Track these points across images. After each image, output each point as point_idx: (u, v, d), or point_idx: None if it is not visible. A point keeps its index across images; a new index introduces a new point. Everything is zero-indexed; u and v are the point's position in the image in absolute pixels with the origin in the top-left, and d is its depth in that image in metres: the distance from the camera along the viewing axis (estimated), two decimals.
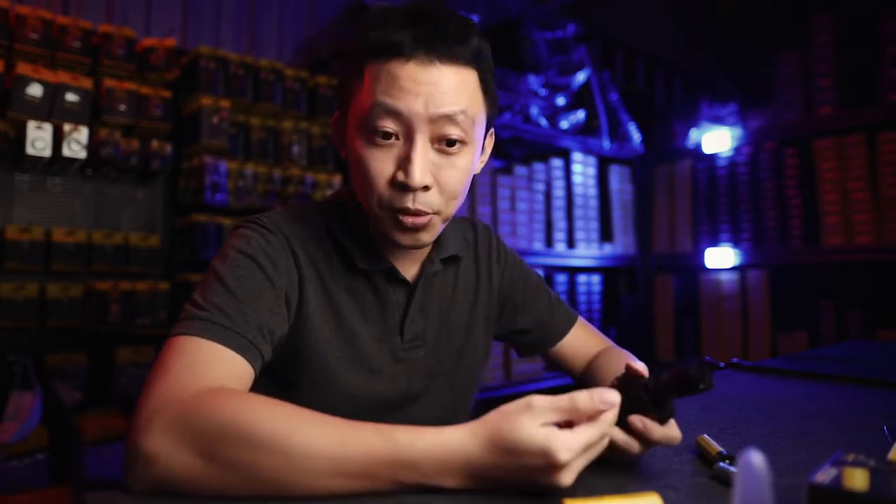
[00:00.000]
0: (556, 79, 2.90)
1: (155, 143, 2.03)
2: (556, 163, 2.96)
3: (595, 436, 0.50)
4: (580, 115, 2.98)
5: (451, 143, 0.70)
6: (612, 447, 0.58)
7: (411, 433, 0.51)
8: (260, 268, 0.71)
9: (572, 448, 0.49)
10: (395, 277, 0.81)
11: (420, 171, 0.68)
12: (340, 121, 0.77)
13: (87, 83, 1.89)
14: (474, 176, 0.78)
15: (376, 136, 0.68)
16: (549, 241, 2.88)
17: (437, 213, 0.72)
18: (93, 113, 1.92)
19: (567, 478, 0.49)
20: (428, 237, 0.74)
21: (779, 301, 2.79)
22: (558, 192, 2.94)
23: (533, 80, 2.80)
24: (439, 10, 0.70)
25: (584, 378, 0.95)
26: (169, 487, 0.52)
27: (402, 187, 0.69)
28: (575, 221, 2.97)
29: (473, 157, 0.74)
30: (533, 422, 0.49)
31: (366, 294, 0.80)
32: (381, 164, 0.69)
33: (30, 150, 1.76)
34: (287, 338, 0.74)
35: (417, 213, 0.70)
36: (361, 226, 0.79)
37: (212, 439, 0.51)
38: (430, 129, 0.68)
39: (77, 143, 1.83)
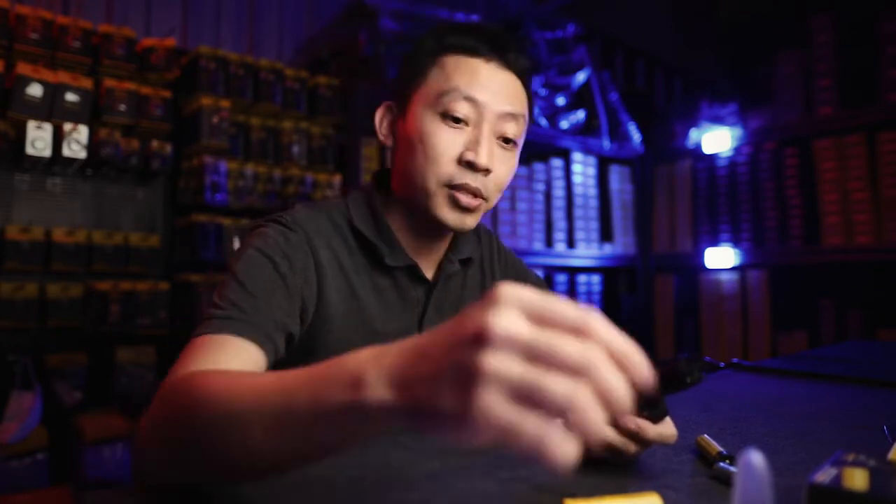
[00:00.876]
0: (556, 79, 2.91)
1: (155, 143, 2.03)
2: (556, 163, 2.96)
3: (562, 307, 0.32)
4: (580, 115, 2.98)
5: (507, 140, 0.78)
6: (609, 448, 0.58)
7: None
8: (275, 266, 0.71)
9: (514, 295, 0.32)
10: (416, 275, 0.83)
11: (486, 153, 0.75)
12: (393, 108, 0.83)
13: (87, 83, 1.89)
14: None
15: (449, 118, 0.75)
16: (549, 241, 2.88)
17: (486, 200, 0.78)
18: (93, 113, 1.92)
19: (502, 325, 0.31)
20: (472, 222, 0.79)
21: (779, 301, 2.79)
22: (558, 192, 2.94)
23: (533, 80, 2.80)
24: (499, 28, 0.81)
25: None
26: (156, 479, 0.52)
27: (468, 165, 0.75)
28: (575, 221, 2.97)
29: (515, 161, 0.82)
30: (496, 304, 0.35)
31: (389, 290, 0.82)
32: (451, 142, 0.75)
33: (30, 150, 1.76)
34: (304, 338, 0.74)
35: (475, 194, 0.76)
36: (384, 223, 0.81)
37: (171, 426, 0.51)
38: (495, 122, 0.76)
39: (77, 143, 1.83)
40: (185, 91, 2.17)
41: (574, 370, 0.30)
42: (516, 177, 2.75)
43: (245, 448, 0.44)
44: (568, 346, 0.30)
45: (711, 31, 3.81)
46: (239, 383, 0.47)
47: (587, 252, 2.99)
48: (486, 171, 0.76)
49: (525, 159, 2.94)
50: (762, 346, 2.79)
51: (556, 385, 0.29)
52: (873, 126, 2.51)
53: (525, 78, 0.80)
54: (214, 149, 2.10)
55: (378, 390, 0.35)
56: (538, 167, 2.89)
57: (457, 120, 0.75)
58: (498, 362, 0.30)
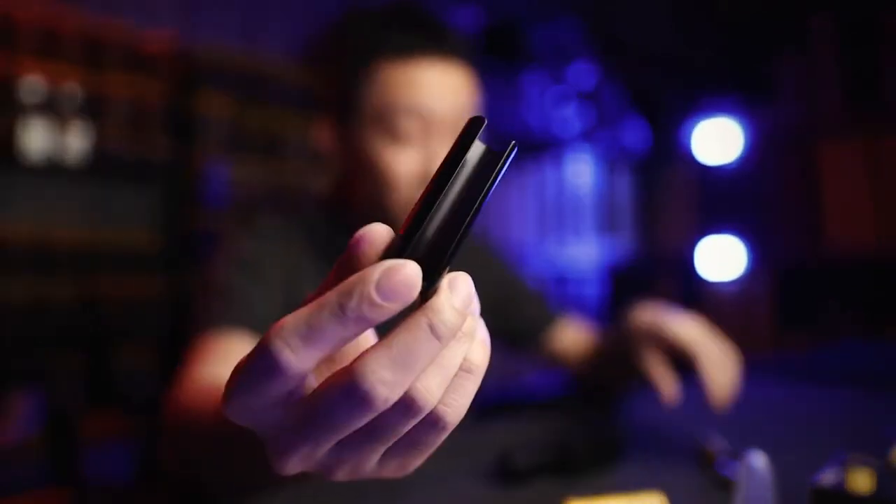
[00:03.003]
0: (556, 78, 2.90)
1: (155, 143, 2.03)
2: (556, 162, 2.96)
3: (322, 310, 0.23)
4: (580, 114, 2.98)
5: None
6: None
7: None
8: (253, 270, 0.71)
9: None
10: None
11: None
12: (333, 125, 0.76)
13: (86, 82, 1.89)
14: None
15: (396, 135, 0.69)
16: (548, 241, 2.88)
17: None
18: (93, 112, 1.92)
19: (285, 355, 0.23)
20: None
21: (780, 301, 2.79)
22: (558, 192, 2.94)
23: (533, 80, 2.80)
24: (426, 11, 0.72)
25: (584, 370, 0.92)
26: (190, 483, 0.55)
27: None
28: (574, 221, 2.97)
29: None
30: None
31: None
32: (405, 163, 0.69)
33: (29, 150, 1.76)
34: None
35: None
36: (353, 226, 0.79)
37: (175, 439, 0.52)
38: (449, 123, 0.70)
39: (77, 143, 1.83)
40: (185, 91, 2.16)
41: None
42: (516, 177, 2.74)
43: (234, 467, 0.42)
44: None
45: (713, 31, 3.81)
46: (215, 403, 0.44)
47: (587, 252, 2.98)
48: None
49: (524, 159, 2.94)
50: (763, 347, 2.79)
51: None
52: (875, 126, 2.50)
53: (467, 57, 0.73)
54: (214, 149, 2.10)
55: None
56: (538, 167, 2.88)
57: (408, 135, 0.69)
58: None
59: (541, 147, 2.88)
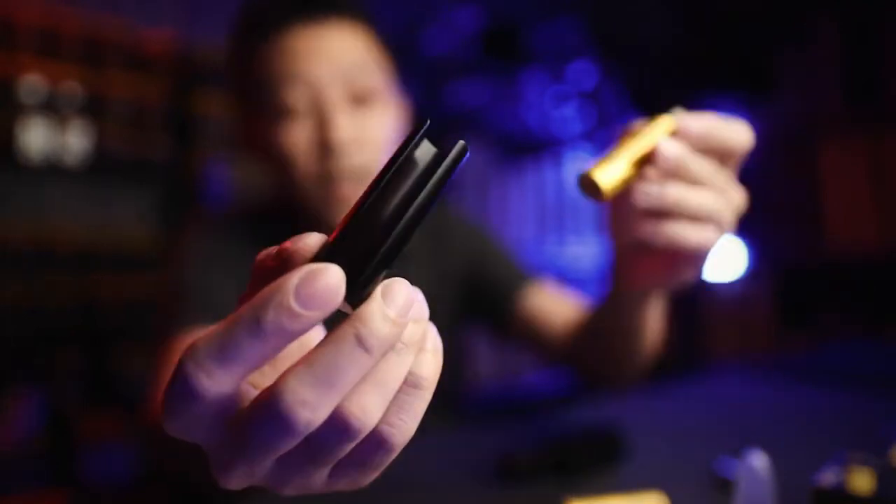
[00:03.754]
0: (556, 78, 2.90)
1: (155, 143, 2.03)
2: (556, 162, 2.96)
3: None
4: (580, 114, 2.98)
5: (363, 97, 0.67)
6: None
7: None
8: (214, 265, 0.71)
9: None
10: None
11: (341, 124, 0.64)
12: (243, 122, 0.74)
13: (87, 82, 1.89)
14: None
15: (283, 112, 0.65)
16: (547, 241, 2.88)
17: (368, 174, 0.68)
18: (93, 112, 1.92)
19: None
20: None
21: (780, 301, 2.79)
22: (557, 191, 2.94)
23: (533, 80, 2.80)
24: None
25: (574, 345, 0.76)
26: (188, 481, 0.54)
27: (327, 149, 0.64)
28: (574, 221, 2.97)
29: (390, 114, 0.71)
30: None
31: None
32: (297, 136, 0.65)
33: (29, 150, 1.76)
34: None
35: (351, 180, 0.66)
36: (294, 223, 0.76)
37: (160, 440, 0.51)
38: (339, 88, 0.65)
39: (77, 143, 1.83)
40: (185, 91, 2.16)
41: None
42: (515, 176, 2.74)
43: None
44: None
45: (713, 30, 3.81)
46: None
47: (587, 252, 2.98)
48: (351, 144, 0.65)
49: (524, 159, 2.94)
50: (762, 346, 2.79)
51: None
52: (876, 125, 2.50)
53: (356, 18, 0.68)
54: (214, 149, 2.10)
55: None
56: (537, 167, 2.88)
57: (295, 107, 0.65)
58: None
59: (540, 147, 2.88)
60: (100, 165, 1.97)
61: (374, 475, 0.23)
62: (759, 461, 0.36)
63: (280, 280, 0.18)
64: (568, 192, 2.97)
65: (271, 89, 0.65)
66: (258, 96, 0.67)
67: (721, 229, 0.40)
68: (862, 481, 0.40)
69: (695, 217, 0.38)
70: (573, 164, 2.98)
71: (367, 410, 0.20)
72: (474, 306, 0.86)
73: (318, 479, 0.22)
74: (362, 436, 0.20)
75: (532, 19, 2.90)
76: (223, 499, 0.51)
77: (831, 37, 2.60)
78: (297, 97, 0.64)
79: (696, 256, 0.42)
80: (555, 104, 2.88)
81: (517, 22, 2.87)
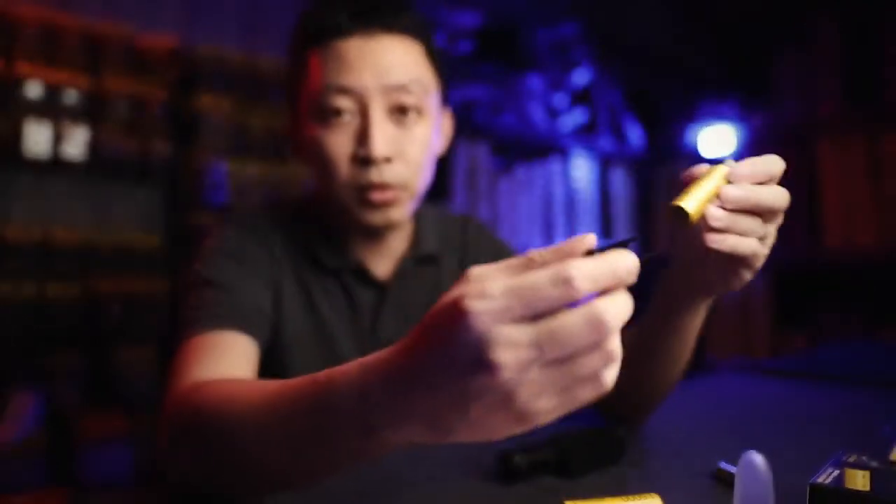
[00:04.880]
0: (556, 79, 2.90)
1: (155, 143, 2.03)
2: (556, 163, 2.96)
3: (540, 280, 0.29)
4: (580, 115, 2.98)
5: (405, 111, 0.69)
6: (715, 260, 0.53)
7: (336, 368, 0.38)
8: (238, 261, 0.71)
9: (488, 278, 0.30)
10: (364, 277, 0.78)
11: (379, 142, 0.67)
12: (294, 120, 0.76)
13: (86, 83, 1.89)
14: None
15: (330, 116, 0.68)
16: (549, 241, 2.88)
17: (403, 188, 0.71)
18: (93, 113, 1.92)
19: (489, 329, 0.28)
20: (398, 214, 0.72)
21: (779, 301, 2.79)
22: (558, 192, 2.94)
23: (533, 80, 2.80)
24: None
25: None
26: (191, 486, 0.52)
27: (364, 161, 0.68)
28: (575, 221, 2.97)
29: (431, 130, 0.73)
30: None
31: (338, 293, 0.78)
32: (338, 142, 0.68)
33: (29, 151, 1.76)
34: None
35: (384, 188, 0.69)
36: (327, 223, 0.78)
37: (188, 438, 0.51)
38: (384, 100, 0.68)
39: (77, 143, 1.83)
40: (185, 91, 2.16)
41: (585, 346, 0.29)
42: (516, 177, 2.74)
43: (270, 466, 0.43)
44: (570, 328, 0.29)
45: (712, 31, 3.81)
46: (249, 403, 0.45)
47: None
48: (389, 160, 0.68)
49: (525, 159, 2.94)
50: (762, 347, 2.79)
51: (582, 368, 0.30)
52: (875, 125, 2.50)
53: (409, 33, 0.70)
54: (214, 149, 2.10)
55: (397, 434, 0.34)
56: (538, 167, 2.89)
57: (340, 113, 0.68)
58: (516, 372, 0.29)
59: (540, 148, 2.88)
60: (100, 165, 1.97)
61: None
62: (758, 461, 0.37)
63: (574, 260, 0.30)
64: (568, 192, 2.97)
65: (321, 94, 0.68)
66: (309, 99, 0.69)
67: (767, 243, 0.55)
68: (860, 480, 0.40)
69: (747, 233, 0.51)
70: (573, 165, 2.98)
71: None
72: None
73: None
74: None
75: (532, 20, 2.90)
76: (223, 500, 0.51)
77: (831, 37, 2.60)
78: (344, 105, 0.67)
79: (748, 262, 0.54)
80: (555, 105, 2.88)
81: (517, 23, 2.87)
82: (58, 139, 1.82)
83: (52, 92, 1.82)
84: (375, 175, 0.68)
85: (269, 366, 0.75)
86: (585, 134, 3.01)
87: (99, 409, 1.93)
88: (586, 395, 0.30)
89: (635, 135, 3.18)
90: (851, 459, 0.43)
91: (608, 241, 0.35)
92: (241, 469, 0.46)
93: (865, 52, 2.54)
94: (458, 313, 0.29)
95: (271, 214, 0.79)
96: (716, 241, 0.49)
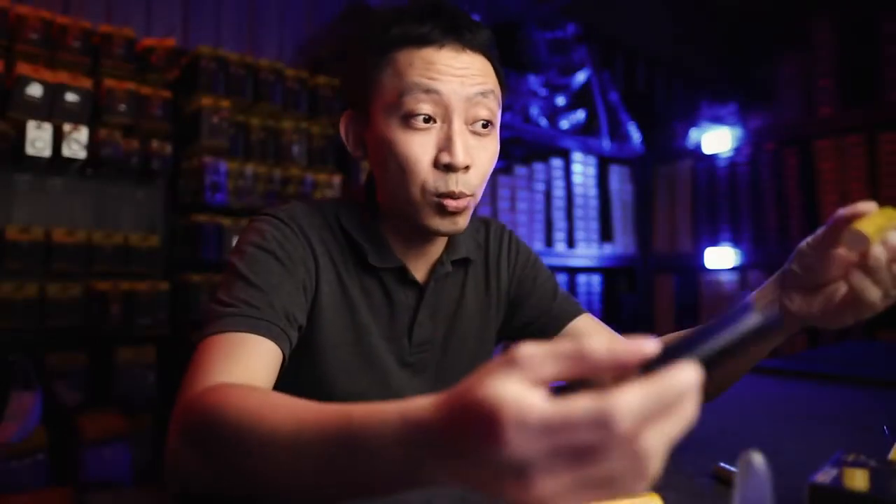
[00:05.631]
0: (556, 79, 2.90)
1: (155, 143, 2.03)
2: (556, 163, 2.96)
3: (580, 419, 0.29)
4: (580, 115, 2.98)
5: (484, 124, 0.72)
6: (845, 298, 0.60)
7: (370, 405, 0.39)
8: (277, 259, 0.71)
9: (523, 400, 0.30)
10: (405, 278, 0.79)
11: (463, 151, 0.69)
12: (356, 118, 0.77)
13: (87, 83, 1.89)
14: None
15: (415, 120, 0.69)
16: (549, 241, 2.88)
17: (473, 197, 0.73)
18: (93, 113, 1.92)
19: (519, 447, 0.30)
20: (464, 222, 0.74)
21: None
22: (558, 192, 2.94)
23: (533, 80, 2.80)
24: (447, 5, 0.73)
25: None
26: (193, 488, 0.52)
27: (446, 168, 0.69)
28: (575, 221, 2.97)
29: (498, 142, 0.76)
30: (511, 377, 0.31)
31: (376, 292, 0.79)
32: (422, 147, 0.69)
33: (30, 150, 1.76)
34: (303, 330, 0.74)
35: (459, 196, 0.70)
36: (373, 223, 0.79)
37: (202, 440, 0.51)
38: (465, 110, 0.70)
39: (77, 143, 1.83)
40: (185, 91, 2.16)
41: (622, 470, 0.30)
42: (516, 177, 2.74)
43: (285, 484, 0.44)
44: (608, 464, 0.30)
45: (712, 31, 3.81)
46: (276, 421, 0.46)
47: (587, 252, 2.98)
48: (467, 169, 0.70)
49: (525, 159, 2.94)
50: None
51: (604, 469, 0.30)
52: (874, 126, 2.51)
53: (487, 51, 0.73)
54: (214, 149, 2.10)
55: (434, 478, 0.36)
56: (538, 167, 2.89)
57: (426, 119, 0.69)
58: (547, 482, 0.30)
59: (540, 148, 2.88)
60: (100, 165, 1.97)
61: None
62: (758, 461, 0.37)
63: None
64: (567, 193, 2.97)
65: (406, 93, 0.68)
66: (389, 100, 0.70)
67: (887, 302, 0.59)
68: (858, 480, 0.41)
69: (882, 283, 0.56)
70: (574, 166, 2.98)
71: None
72: (521, 331, 0.91)
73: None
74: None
75: (531, 20, 2.90)
76: (223, 500, 0.51)
77: (829, 39, 2.60)
78: (427, 110, 0.69)
79: (862, 309, 0.60)
80: (554, 106, 2.88)
81: (517, 24, 2.87)
82: (58, 139, 1.82)
83: (53, 92, 1.82)
84: (454, 183, 0.70)
85: (304, 364, 0.75)
86: (585, 134, 3.01)
87: (99, 409, 1.93)
88: (616, 494, 0.31)
89: (635, 135, 3.18)
90: (851, 459, 0.44)
91: (674, 348, 0.31)
92: (251, 484, 0.47)
93: (863, 54, 2.55)
94: (493, 432, 0.30)
95: (311, 210, 0.78)
96: (855, 279, 0.56)
